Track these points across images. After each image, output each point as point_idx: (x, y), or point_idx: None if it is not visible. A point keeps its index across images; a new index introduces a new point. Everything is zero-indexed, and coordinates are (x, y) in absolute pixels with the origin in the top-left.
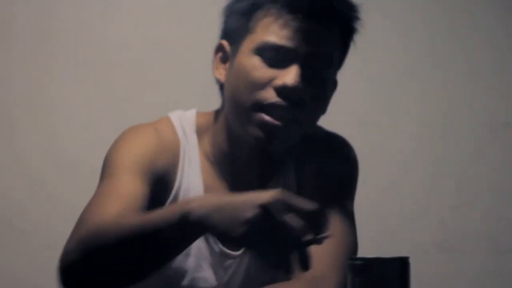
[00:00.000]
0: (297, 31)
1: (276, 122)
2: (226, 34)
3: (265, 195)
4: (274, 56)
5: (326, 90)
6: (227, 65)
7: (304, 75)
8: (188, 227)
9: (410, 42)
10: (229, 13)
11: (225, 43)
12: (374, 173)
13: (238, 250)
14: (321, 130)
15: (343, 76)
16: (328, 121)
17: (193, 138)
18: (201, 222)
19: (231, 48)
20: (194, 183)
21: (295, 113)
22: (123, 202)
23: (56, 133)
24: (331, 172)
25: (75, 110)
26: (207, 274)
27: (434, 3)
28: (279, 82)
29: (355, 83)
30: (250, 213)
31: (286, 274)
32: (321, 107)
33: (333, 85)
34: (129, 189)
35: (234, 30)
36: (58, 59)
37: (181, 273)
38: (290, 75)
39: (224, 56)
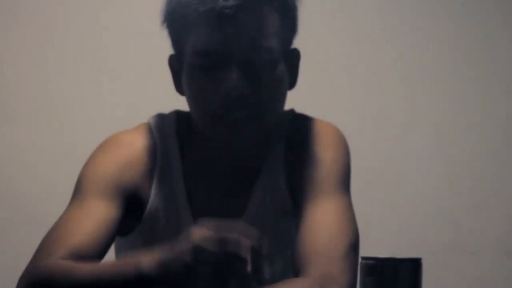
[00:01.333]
0: (217, 28)
1: (232, 127)
2: (172, 46)
3: (191, 237)
4: (206, 62)
5: (274, 68)
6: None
7: (243, 68)
8: (144, 282)
9: (426, 44)
10: (167, 24)
11: (173, 57)
12: (388, 174)
13: None
14: (310, 120)
15: (360, 75)
16: (343, 119)
17: (173, 143)
18: (156, 278)
19: (178, 62)
20: (173, 192)
21: (249, 109)
22: (88, 232)
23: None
24: (322, 161)
25: (87, 103)
26: None
27: (465, 10)
28: (221, 91)
29: (373, 83)
30: (189, 258)
31: None
32: (278, 86)
33: (293, 56)
34: (95, 215)
35: (174, 44)
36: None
37: None
38: (228, 81)
39: (177, 69)
